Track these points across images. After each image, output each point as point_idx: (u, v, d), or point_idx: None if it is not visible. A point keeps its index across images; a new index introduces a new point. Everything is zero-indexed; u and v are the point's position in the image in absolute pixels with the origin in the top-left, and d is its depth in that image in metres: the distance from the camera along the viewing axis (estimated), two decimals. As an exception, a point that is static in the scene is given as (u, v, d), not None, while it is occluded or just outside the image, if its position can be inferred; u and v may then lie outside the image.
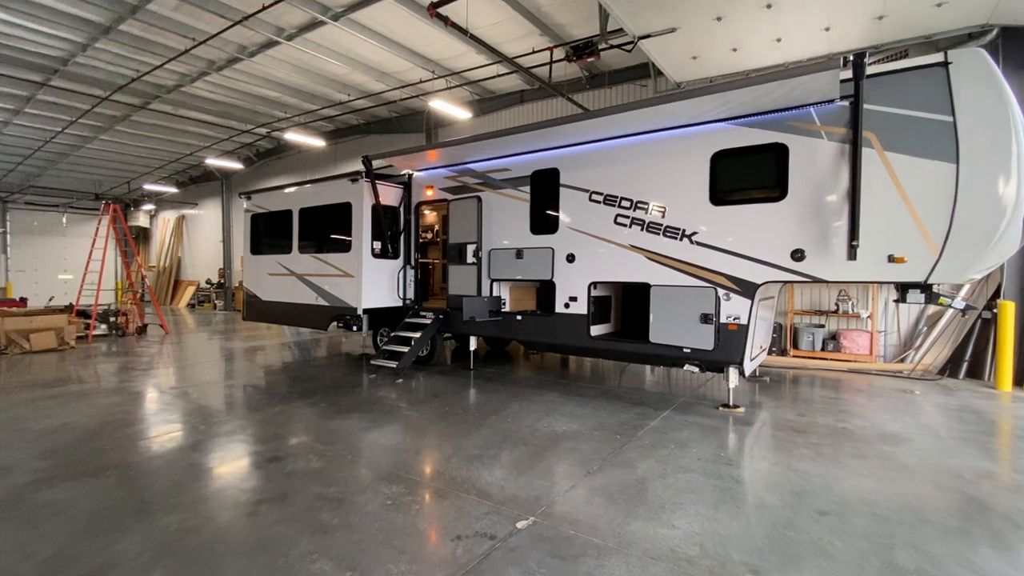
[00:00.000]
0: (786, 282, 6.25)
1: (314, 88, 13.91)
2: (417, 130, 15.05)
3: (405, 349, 8.45)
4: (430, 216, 11.80)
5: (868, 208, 5.23)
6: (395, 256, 9.27)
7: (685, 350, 6.30)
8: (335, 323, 9.52)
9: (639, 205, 6.64)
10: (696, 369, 6.54)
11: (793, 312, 9.91)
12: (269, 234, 10.77)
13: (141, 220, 27.87)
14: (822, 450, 4.91)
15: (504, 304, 8.34)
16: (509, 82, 12.71)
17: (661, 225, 6.47)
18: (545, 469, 4.38)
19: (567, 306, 7.30)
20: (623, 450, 4.84)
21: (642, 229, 6.61)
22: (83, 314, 13.27)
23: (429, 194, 8.97)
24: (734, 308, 6.00)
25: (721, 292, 6.03)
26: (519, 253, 7.76)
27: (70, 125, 16.13)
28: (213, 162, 19.73)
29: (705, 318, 6.05)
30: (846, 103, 5.37)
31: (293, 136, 15.62)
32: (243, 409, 6.34)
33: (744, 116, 5.95)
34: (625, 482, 4.11)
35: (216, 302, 22.95)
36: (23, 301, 17.00)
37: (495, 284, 8.23)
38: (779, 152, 5.75)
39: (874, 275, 5.35)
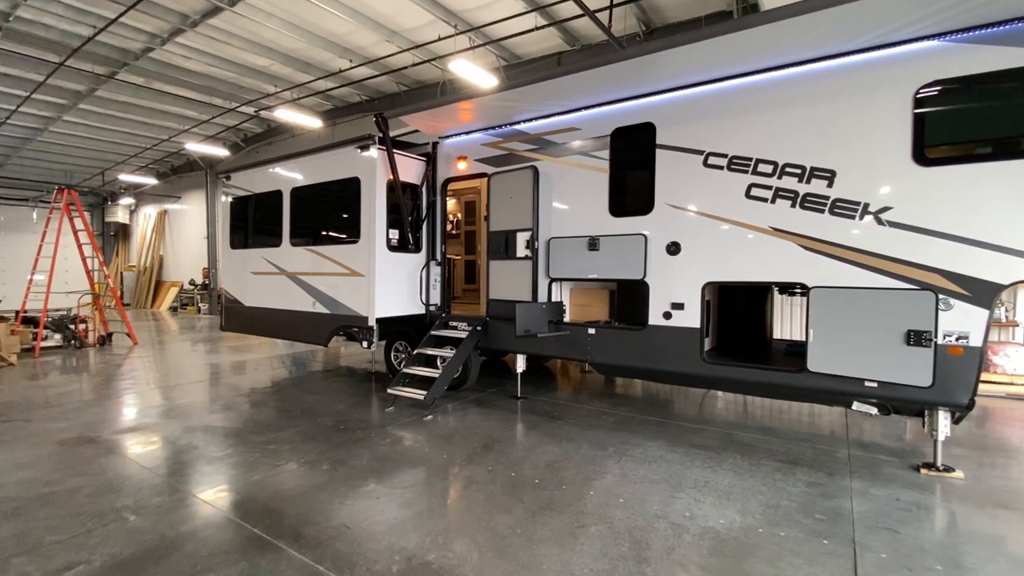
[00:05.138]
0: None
1: (309, 54, 11.75)
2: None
3: (432, 372, 6.34)
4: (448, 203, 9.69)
5: None
6: (416, 249, 7.14)
7: (869, 384, 4.22)
8: (338, 335, 7.37)
9: (788, 170, 4.55)
10: (874, 410, 4.47)
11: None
12: (254, 222, 8.61)
13: (120, 216, 25.52)
14: None
15: (564, 312, 6.25)
16: (544, 42, 10.59)
17: (827, 198, 4.38)
18: (765, 646, 2.29)
19: (668, 316, 5.20)
20: (866, 581, 2.74)
21: (793, 204, 4.52)
22: (32, 322, 11.07)
23: (461, 167, 6.84)
24: (958, 322, 3.91)
25: (939, 297, 3.95)
26: (593, 243, 5.66)
27: (25, 101, 13.88)
28: (194, 148, 17.52)
29: (916, 338, 3.96)
30: None
31: (284, 113, 13.43)
32: (206, 476, 4.21)
33: (972, 28, 3.87)
34: None
35: (200, 305, 20.74)
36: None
37: (554, 285, 6.13)
38: (1043, 79, 3.68)
39: None
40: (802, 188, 4.48)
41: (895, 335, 4.05)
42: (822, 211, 4.40)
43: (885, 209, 4.16)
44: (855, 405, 4.51)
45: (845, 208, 4.31)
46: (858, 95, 4.27)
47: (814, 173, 4.43)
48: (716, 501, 3.67)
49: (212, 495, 3.81)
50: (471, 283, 10.27)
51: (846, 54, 4.30)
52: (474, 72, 10.00)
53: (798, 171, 4.50)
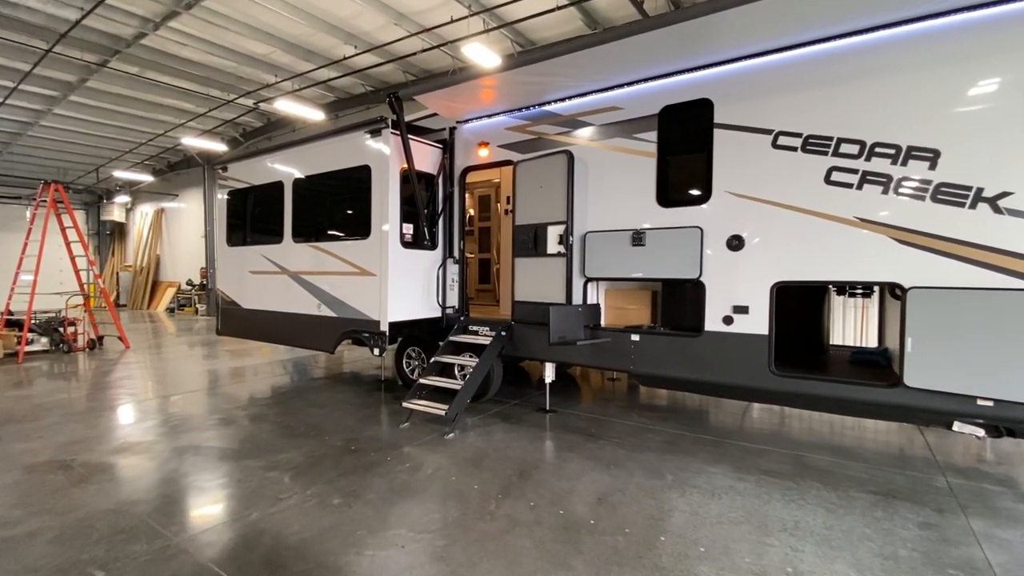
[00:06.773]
0: None
1: (311, 40, 11.07)
2: (438, 96, 12.22)
3: (452, 384, 5.66)
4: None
5: None
6: (432, 246, 6.47)
7: (982, 402, 3.55)
8: (346, 340, 6.70)
9: (878, 150, 3.88)
10: (980, 432, 3.80)
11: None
12: (253, 217, 7.94)
13: (115, 214, 24.83)
14: None
15: (601, 316, 5.60)
16: (563, 26, 9.90)
17: (928, 183, 3.71)
18: None
19: (728, 321, 4.53)
20: None
21: (885, 190, 3.85)
22: (17, 324, 10.39)
23: (483, 154, 6.17)
24: (1101, 330, 3.25)
25: (1079, 300, 3.29)
26: (638, 237, 4.98)
27: (12, 93, 13.20)
28: (191, 143, 16.89)
29: (1051, 349, 3.30)
30: None
31: (285, 105, 12.78)
32: (195, 513, 3.55)
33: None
34: None
35: (198, 306, 20.07)
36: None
37: (590, 286, 5.46)
38: None
39: None
40: (896, 171, 3.81)
41: (1022, 346, 3.38)
42: (922, 198, 3.73)
43: (1004, 195, 3.48)
44: (956, 425, 3.84)
45: (952, 194, 3.64)
46: (967, 62, 3.60)
47: (912, 153, 3.76)
48: (818, 550, 2.99)
49: (201, 541, 3.14)
50: (485, 283, 9.62)
51: (951, 12, 3.63)
52: (488, 58, 9.34)
53: (891, 151, 3.83)
